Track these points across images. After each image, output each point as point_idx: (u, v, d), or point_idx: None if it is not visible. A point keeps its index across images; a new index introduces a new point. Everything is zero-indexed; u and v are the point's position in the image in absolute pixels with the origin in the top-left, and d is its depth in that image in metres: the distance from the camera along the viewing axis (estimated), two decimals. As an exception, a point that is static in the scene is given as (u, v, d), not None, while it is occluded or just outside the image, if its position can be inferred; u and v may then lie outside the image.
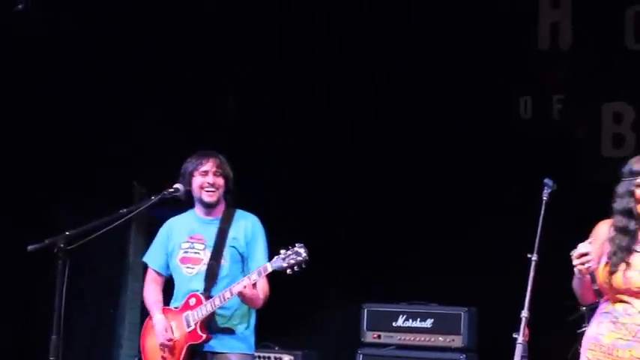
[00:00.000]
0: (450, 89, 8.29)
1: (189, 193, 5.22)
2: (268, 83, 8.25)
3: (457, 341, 6.82)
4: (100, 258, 7.83)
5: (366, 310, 7.06)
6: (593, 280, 4.16)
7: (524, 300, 4.26)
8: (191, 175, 5.18)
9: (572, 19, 8.48)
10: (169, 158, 7.63)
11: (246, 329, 5.08)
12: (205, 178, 5.13)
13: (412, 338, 6.91)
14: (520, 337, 4.18)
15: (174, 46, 7.88)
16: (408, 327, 6.94)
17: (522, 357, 4.19)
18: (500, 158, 8.12)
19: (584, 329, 6.54)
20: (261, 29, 8.12)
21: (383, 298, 7.18)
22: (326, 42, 8.35)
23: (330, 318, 7.73)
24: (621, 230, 4.22)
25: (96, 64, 7.61)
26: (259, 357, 6.83)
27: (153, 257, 5.34)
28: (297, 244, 4.86)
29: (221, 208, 5.19)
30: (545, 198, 4.52)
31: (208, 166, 5.13)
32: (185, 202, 5.32)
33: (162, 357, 5.09)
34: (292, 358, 7.12)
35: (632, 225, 4.20)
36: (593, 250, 4.12)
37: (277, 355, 7.11)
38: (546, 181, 4.57)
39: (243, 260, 5.11)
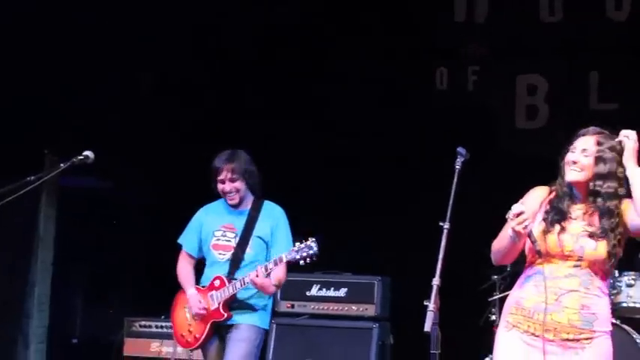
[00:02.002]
0: (368, 61, 8.30)
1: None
2: (187, 60, 8.16)
3: (370, 310, 6.86)
4: (9, 227, 7.68)
5: (280, 280, 7.02)
6: (533, 240, 4.12)
7: (438, 268, 4.27)
8: (213, 177, 5.55)
9: (488, -9, 8.55)
10: (84, 127, 7.54)
11: (263, 307, 5.51)
12: (223, 185, 5.50)
13: (325, 307, 6.93)
14: (431, 305, 4.16)
15: (94, 18, 7.74)
16: (322, 296, 6.96)
17: (433, 324, 4.17)
18: (415, 128, 8.17)
19: (495, 297, 6.66)
20: (181, 6, 8.03)
21: (297, 268, 7.15)
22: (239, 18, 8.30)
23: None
24: (563, 195, 4.19)
25: (15, 33, 7.46)
26: (165, 327, 6.88)
27: (187, 240, 5.67)
28: (310, 239, 5.31)
29: (249, 200, 5.56)
30: (457, 167, 4.50)
31: (223, 174, 5.49)
32: (97, 168, 5.27)
33: (189, 330, 5.49)
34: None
35: (557, 200, 4.18)
36: (526, 210, 4.10)
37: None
38: (459, 150, 4.56)
39: (268, 248, 5.50)
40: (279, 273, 5.45)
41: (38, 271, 8.07)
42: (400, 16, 8.37)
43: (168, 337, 7.01)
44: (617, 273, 6.65)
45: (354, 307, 6.88)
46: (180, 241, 5.70)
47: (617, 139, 4.21)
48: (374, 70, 8.27)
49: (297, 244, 5.36)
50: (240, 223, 5.53)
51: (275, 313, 6.98)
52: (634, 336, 6.37)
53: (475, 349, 6.50)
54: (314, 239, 5.32)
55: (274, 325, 6.93)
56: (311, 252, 5.31)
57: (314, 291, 6.98)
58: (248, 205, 5.56)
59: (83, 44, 7.78)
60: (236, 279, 5.40)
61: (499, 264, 4.38)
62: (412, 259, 6.72)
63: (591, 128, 4.25)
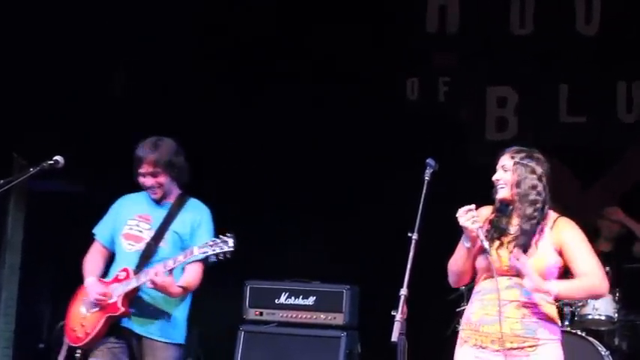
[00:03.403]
0: (339, 69, 8.32)
1: None
2: (158, 59, 8.14)
3: (338, 319, 6.85)
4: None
5: (248, 287, 7.03)
6: (485, 248, 4.29)
7: (406, 278, 4.30)
8: (135, 170, 5.12)
9: (460, 3, 8.61)
10: (54, 130, 7.50)
11: (175, 315, 5.05)
12: (145, 179, 5.09)
13: (294, 315, 6.91)
14: (398, 315, 4.20)
15: (66, 18, 7.70)
16: (291, 304, 6.94)
17: (400, 334, 4.21)
18: (386, 138, 8.20)
19: (463, 308, 6.69)
20: (155, 5, 8.02)
21: (266, 276, 7.16)
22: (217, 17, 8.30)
23: (212, 295, 7.67)
24: (499, 211, 4.39)
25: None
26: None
27: (100, 230, 5.27)
28: (227, 234, 4.87)
29: (174, 194, 5.16)
30: (427, 178, 4.55)
31: (144, 167, 5.06)
32: (66, 173, 5.21)
33: (81, 324, 5.03)
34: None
35: (507, 210, 4.38)
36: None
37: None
38: (429, 161, 4.61)
39: (184, 248, 5.02)
40: (190, 275, 4.99)
41: (5, 275, 8.01)
42: (372, 26, 8.41)
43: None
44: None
45: (322, 316, 6.87)
46: (94, 231, 5.29)
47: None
48: (346, 78, 8.29)
49: (213, 239, 4.89)
50: (158, 215, 5.09)
51: (243, 321, 6.99)
52: (599, 348, 6.42)
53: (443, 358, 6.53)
54: (231, 235, 4.86)
55: (242, 333, 6.92)
56: (226, 248, 4.82)
57: (282, 299, 6.97)
58: (171, 199, 5.12)
59: (53, 44, 7.73)
60: (141, 272, 4.94)
61: (457, 286, 4.56)
62: (381, 268, 6.75)
63: (508, 149, 4.48)
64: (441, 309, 6.51)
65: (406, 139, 8.06)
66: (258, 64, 8.34)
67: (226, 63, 8.36)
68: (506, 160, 4.40)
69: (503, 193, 4.38)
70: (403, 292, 4.27)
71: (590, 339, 6.45)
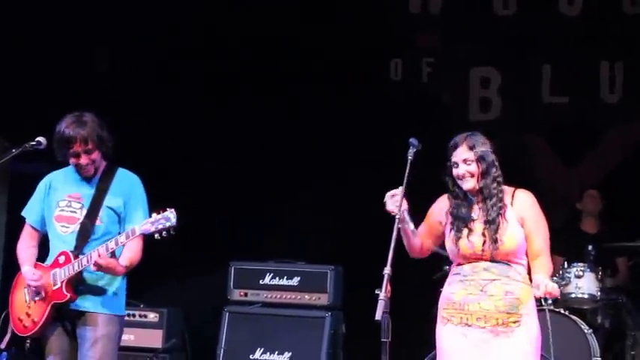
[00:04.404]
0: (323, 51, 8.32)
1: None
2: (143, 37, 8.11)
3: (323, 299, 6.88)
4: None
5: (233, 268, 7.04)
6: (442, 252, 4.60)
7: (389, 257, 4.33)
8: (62, 150, 4.98)
9: (443, -16, 8.60)
10: (37, 111, 7.45)
11: (116, 290, 5.00)
12: (78, 160, 4.95)
13: (279, 296, 6.93)
14: (382, 294, 4.23)
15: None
16: (275, 285, 6.96)
17: (384, 313, 4.24)
18: (370, 118, 8.20)
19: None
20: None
21: (251, 256, 7.17)
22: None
23: (197, 276, 7.69)
24: (453, 209, 4.55)
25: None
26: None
27: (30, 211, 5.15)
28: (168, 209, 4.77)
29: (101, 167, 5.05)
30: (410, 157, 4.57)
31: (76, 147, 4.92)
32: (49, 154, 5.15)
33: (27, 313, 4.96)
34: (158, 315, 7.08)
35: (454, 208, 4.54)
36: (428, 219, 4.59)
37: (142, 313, 7.06)
38: (412, 140, 4.63)
39: (120, 220, 4.98)
40: (132, 252, 4.91)
41: (-11, 259, 7.99)
42: (355, 7, 8.39)
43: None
44: (566, 264, 6.76)
45: (306, 296, 6.89)
46: (23, 213, 5.15)
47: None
48: (329, 59, 8.28)
49: (154, 215, 4.80)
50: (88, 192, 4.98)
51: (228, 301, 7.01)
52: (582, 326, 6.47)
53: (426, 338, 6.55)
54: (172, 210, 4.75)
55: (227, 314, 6.94)
56: (168, 224, 4.73)
57: (267, 280, 6.98)
58: (99, 173, 5.02)
59: (35, 24, 7.68)
60: (84, 254, 4.85)
61: (412, 255, 4.70)
62: (366, 248, 6.76)
63: (458, 138, 4.60)
64: (425, 288, 6.52)
65: (390, 119, 8.06)
66: (245, 44, 8.32)
67: (205, 44, 8.33)
68: (466, 153, 4.51)
69: (470, 184, 4.50)
70: (387, 271, 4.30)
71: (574, 317, 6.50)
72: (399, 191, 4.43)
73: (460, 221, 4.49)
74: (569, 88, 8.33)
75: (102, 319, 4.90)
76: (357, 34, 8.36)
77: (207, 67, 8.29)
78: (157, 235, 4.77)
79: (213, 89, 8.29)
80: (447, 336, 4.50)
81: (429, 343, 6.53)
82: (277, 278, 6.97)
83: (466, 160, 4.50)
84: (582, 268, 6.69)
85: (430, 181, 4.65)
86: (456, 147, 4.55)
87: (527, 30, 8.38)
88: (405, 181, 4.51)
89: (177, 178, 7.54)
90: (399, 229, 4.43)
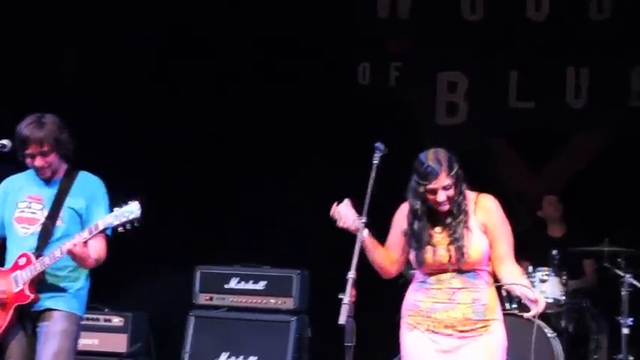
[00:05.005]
0: (291, 54, 8.31)
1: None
2: (108, 37, 8.07)
3: (288, 303, 6.89)
4: None
5: (198, 272, 7.03)
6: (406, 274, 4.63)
7: (354, 261, 4.32)
8: (20, 151, 4.95)
9: (412, -12, 8.62)
10: (3, 113, 7.39)
11: (78, 290, 4.98)
12: (34, 161, 4.92)
13: (244, 300, 6.93)
14: (346, 298, 4.23)
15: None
16: (241, 289, 6.96)
17: (348, 317, 4.25)
18: (338, 122, 8.21)
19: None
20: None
21: (217, 261, 7.15)
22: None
23: (163, 280, 7.66)
24: (410, 228, 4.49)
25: None
26: (88, 319, 6.69)
27: None
28: (130, 202, 4.77)
29: (62, 169, 5.02)
30: (375, 162, 4.56)
31: (32, 148, 4.88)
32: (13, 156, 5.11)
33: None
34: (122, 319, 7.04)
35: (416, 225, 4.45)
36: (393, 231, 4.52)
37: (107, 317, 7.02)
38: (377, 145, 4.62)
39: (82, 222, 4.94)
40: (98, 247, 4.87)
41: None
42: (324, 11, 8.39)
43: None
44: (531, 269, 6.79)
45: (272, 300, 6.90)
46: None
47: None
48: (297, 63, 8.28)
49: (116, 208, 4.80)
50: (49, 193, 4.95)
51: (193, 306, 6.98)
52: (546, 330, 6.50)
53: (391, 343, 6.56)
54: (135, 202, 4.75)
55: (192, 318, 6.92)
56: (132, 216, 4.72)
57: (233, 284, 6.97)
58: (60, 174, 4.98)
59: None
60: (45, 255, 4.82)
61: (386, 277, 4.67)
62: (332, 252, 6.76)
63: (434, 164, 4.40)
64: (390, 292, 6.52)
65: (357, 123, 8.07)
66: (208, 45, 8.30)
67: (171, 43, 8.30)
68: (446, 180, 4.39)
69: (446, 207, 4.43)
70: (351, 275, 4.30)
71: (537, 321, 6.46)
72: (344, 206, 4.42)
73: (424, 233, 4.44)
74: (535, 93, 8.38)
75: (59, 315, 4.87)
76: (326, 37, 8.36)
77: (175, 73, 8.27)
78: (120, 229, 4.76)
79: (179, 90, 8.25)
80: (414, 342, 4.49)
81: (393, 347, 6.56)
82: (243, 282, 6.97)
83: (447, 187, 4.40)
84: (547, 273, 6.73)
85: (398, 185, 4.65)
86: (436, 175, 4.39)
87: (495, 35, 8.42)
88: (370, 185, 4.51)
89: (142, 181, 7.49)
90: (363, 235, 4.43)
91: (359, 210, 4.50)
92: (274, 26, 8.33)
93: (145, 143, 8.06)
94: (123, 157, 7.77)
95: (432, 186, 4.39)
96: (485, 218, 4.46)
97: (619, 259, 6.74)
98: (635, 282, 6.62)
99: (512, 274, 4.45)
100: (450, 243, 4.41)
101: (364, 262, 4.48)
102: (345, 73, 8.50)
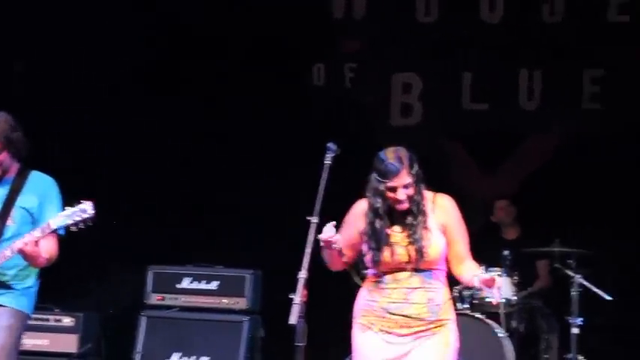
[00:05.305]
0: (244, 54, 8.30)
1: None
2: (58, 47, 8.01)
3: (241, 303, 6.88)
4: None
5: (151, 272, 6.99)
6: (341, 254, 4.46)
7: (305, 261, 4.32)
8: None
9: (367, -11, 8.64)
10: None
11: (27, 288, 4.91)
12: None
13: (197, 300, 6.91)
14: (297, 298, 4.23)
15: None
16: (193, 289, 6.93)
17: (299, 317, 4.24)
18: (292, 123, 8.20)
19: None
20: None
21: (169, 260, 7.12)
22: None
23: (115, 280, 7.61)
24: (371, 226, 4.46)
25: None
26: (38, 319, 6.64)
27: None
28: (83, 201, 4.72)
29: (14, 169, 4.93)
30: (327, 162, 4.56)
31: None
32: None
33: None
34: (73, 320, 6.98)
35: (378, 223, 4.43)
36: (346, 230, 4.45)
37: (57, 317, 6.95)
38: (329, 145, 4.62)
39: (34, 222, 4.86)
40: (49, 246, 4.83)
41: None
42: (279, 11, 8.39)
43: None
44: (483, 269, 6.80)
45: (225, 301, 6.88)
46: None
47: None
48: (252, 63, 8.27)
49: (68, 207, 4.74)
50: (0, 193, 4.88)
51: (145, 306, 6.94)
52: (497, 330, 6.55)
53: (343, 343, 6.57)
54: (89, 202, 4.72)
55: (145, 318, 6.88)
56: (85, 215, 4.68)
57: (185, 284, 6.95)
58: (12, 173, 4.90)
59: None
60: None
61: (334, 269, 4.63)
62: (286, 252, 6.75)
63: (396, 161, 4.40)
64: (343, 292, 6.53)
65: (312, 124, 8.07)
66: (159, 48, 8.26)
67: (131, 51, 8.26)
68: (407, 178, 4.39)
69: (405, 206, 4.42)
70: (302, 275, 4.30)
71: (489, 321, 6.57)
72: (332, 232, 4.35)
73: (382, 232, 4.42)
74: (489, 95, 8.43)
75: (5, 311, 4.80)
76: (281, 38, 8.36)
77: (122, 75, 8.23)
78: (73, 228, 4.72)
79: (131, 91, 8.21)
80: (368, 342, 4.46)
81: (346, 347, 6.57)
82: (195, 282, 6.95)
83: (407, 185, 4.40)
84: (499, 274, 6.72)
85: (351, 185, 4.65)
86: (396, 172, 4.38)
87: (449, 37, 8.46)
88: (322, 185, 4.50)
89: (93, 181, 7.44)
90: (315, 235, 4.41)
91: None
92: (229, 27, 8.30)
93: (94, 143, 8.00)
94: (73, 157, 7.72)
95: (392, 184, 4.38)
96: (444, 218, 4.47)
97: (570, 260, 6.81)
98: (585, 282, 6.69)
99: (472, 271, 4.47)
100: (410, 243, 4.40)
101: (316, 262, 4.47)
102: (299, 74, 8.50)
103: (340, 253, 4.47)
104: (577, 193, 7.87)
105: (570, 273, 6.72)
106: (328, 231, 4.34)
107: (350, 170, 4.96)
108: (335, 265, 4.58)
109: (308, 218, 4.42)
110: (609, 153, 7.95)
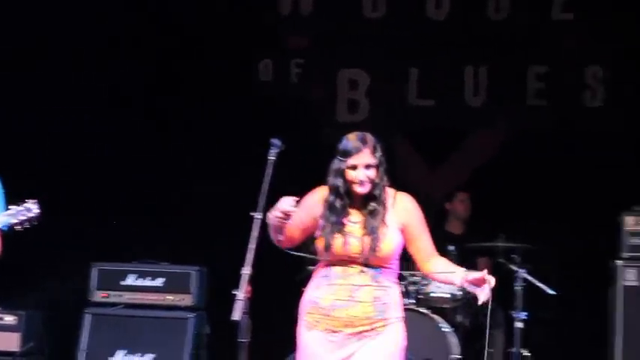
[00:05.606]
0: (191, 50, 8.25)
1: None
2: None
3: (187, 300, 6.86)
4: None
5: (95, 269, 6.93)
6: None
7: (249, 257, 4.30)
8: None
9: (314, -15, 8.64)
10: None
11: None
12: None
13: (142, 297, 6.88)
14: (241, 294, 4.21)
15: None
16: (139, 286, 6.90)
17: (243, 313, 4.22)
18: (238, 118, 8.18)
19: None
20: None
21: (114, 257, 7.07)
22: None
23: (58, 277, 7.54)
24: (330, 207, 4.36)
25: None
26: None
27: None
28: (28, 200, 4.71)
29: None
30: (271, 158, 4.54)
31: None
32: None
33: None
34: (16, 318, 6.91)
35: (338, 203, 4.34)
36: (300, 212, 4.31)
37: (-1, 315, 6.89)
38: (273, 141, 4.60)
39: None
40: None
41: None
42: (225, 7, 8.36)
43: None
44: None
45: (170, 297, 6.86)
46: None
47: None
48: (198, 58, 8.23)
49: (13, 207, 4.72)
50: None
51: (89, 303, 6.89)
52: (442, 325, 6.59)
53: (288, 340, 6.57)
54: (34, 200, 4.71)
55: (89, 316, 6.82)
56: (30, 215, 4.68)
57: (130, 280, 6.91)
58: None
59: None
60: None
61: (283, 247, 4.49)
62: (232, 249, 6.73)
63: (359, 139, 4.39)
64: (288, 288, 6.53)
65: (258, 120, 8.05)
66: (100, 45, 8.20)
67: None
68: (368, 158, 4.33)
69: (365, 190, 4.34)
70: (245, 270, 4.27)
71: (434, 316, 6.60)
72: (291, 207, 4.24)
73: (338, 220, 4.32)
74: (435, 92, 8.48)
75: None
76: (227, 33, 8.32)
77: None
78: (18, 227, 4.68)
79: (76, 91, 8.14)
80: (313, 341, 4.38)
81: (290, 344, 6.57)
82: (140, 279, 6.91)
83: (368, 166, 4.33)
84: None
85: (297, 181, 4.64)
86: (357, 151, 4.34)
87: (395, 33, 8.49)
88: (266, 181, 4.48)
89: (38, 176, 7.36)
90: (260, 229, 4.38)
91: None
92: (174, 23, 8.26)
93: (39, 138, 7.92)
94: (19, 153, 7.63)
95: (352, 161, 4.32)
96: (405, 217, 4.39)
97: (514, 255, 6.87)
98: (528, 277, 6.74)
99: (444, 265, 4.43)
100: (365, 234, 4.31)
101: (262, 259, 4.45)
102: (246, 69, 8.47)
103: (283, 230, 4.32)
104: (522, 189, 7.94)
105: (514, 268, 6.77)
106: (289, 203, 4.22)
107: (297, 166, 4.97)
108: (283, 241, 4.43)
109: (252, 214, 4.40)
110: (554, 149, 8.04)
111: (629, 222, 6.65)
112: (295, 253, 4.62)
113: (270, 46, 8.58)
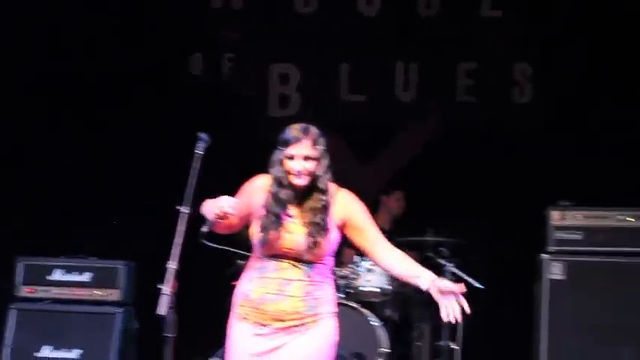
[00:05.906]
0: (123, 43, 8.20)
1: None
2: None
3: (115, 295, 6.79)
4: None
5: (21, 264, 6.84)
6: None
7: (175, 252, 4.27)
8: None
9: (245, -21, 8.62)
10: None
11: None
12: None
13: (69, 292, 6.79)
14: (166, 288, 4.18)
15: None
16: (66, 281, 6.81)
17: (169, 308, 4.20)
18: (169, 112, 8.14)
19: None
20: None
21: (41, 252, 6.98)
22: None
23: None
24: (273, 196, 4.27)
25: None
26: None
27: None
28: None
29: None
30: (199, 152, 4.51)
31: None
32: None
33: None
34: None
35: (282, 194, 4.26)
36: (240, 204, 4.17)
37: None
38: (201, 135, 4.57)
39: None
40: None
41: None
42: (156, 1, 8.32)
43: None
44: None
45: (98, 292, 6.79)
46: None
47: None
48: (128, 53, 8.16)
49: None
50: None
51: (15, 298, 6.80)
52: (371, 319, 6.62)
53: (216, 334, 6.55)
54: None
55: (15, 311, 6.73)
56: None
57: (57, 275, 6.82)
58: None
59: None
60: None
61: (223, 233, 4.36)
62: (161, 244, 6.69)
63: (300, 129, 4.28)
64: (217, 282, 6.52)
65: (189, 114, 8.01)
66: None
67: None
68: (308, 150, 4.23)
69: (302, 182, 4.25)
70: (171, 265, 4.24)
71: (363, 310, 6.63)
72: (232, 207, 4.08)
73: (272, 217, 4.22)
74: (366, 87, 8.52)
75: None
76: (158, 27, 8.27)
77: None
78: None
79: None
80: (242, 333, 4.32)
81: (218, 338, 6.55)
82: (67, 274, 6.83)
83: (307, 157, 4.22)
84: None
85: (226, 176, 4.62)
86: (296, 140, 4.21)
87: (326, 28, 8.52)
88: (193, 175, 4.45)
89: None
90: (186, 224, 4.33)
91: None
92: (106, 18, 8.18)
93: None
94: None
95: (290, 151, 4.21)
96: (345, 211, 4.30)
97: (442, 249, 6.93)
98: (456, 271, 6.82)
99: (405, 262, 4.33)
100: (306, 231, 4.22)
101: (190, 253, 4.43)
102: (177, 63, 8.43)
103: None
104: (450, 185, 8.02)
105: (442, 262, 6.84)
106: (229, 205, 4.05)
107: (226, 160, 4.96)
108: (220, 228, 4.28)
109: (178, 208, 4.37)
110: (483, 145, 8.13)
111: (555, 216, 6.73)
112: (220, 247, 4.58)
113: (202, 40, 8.54)
